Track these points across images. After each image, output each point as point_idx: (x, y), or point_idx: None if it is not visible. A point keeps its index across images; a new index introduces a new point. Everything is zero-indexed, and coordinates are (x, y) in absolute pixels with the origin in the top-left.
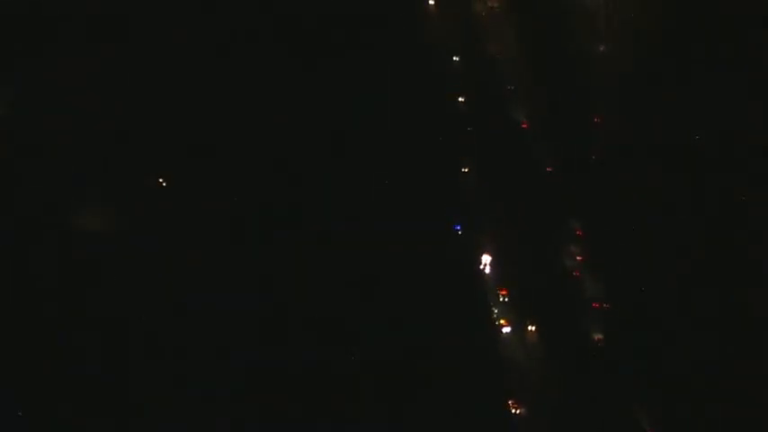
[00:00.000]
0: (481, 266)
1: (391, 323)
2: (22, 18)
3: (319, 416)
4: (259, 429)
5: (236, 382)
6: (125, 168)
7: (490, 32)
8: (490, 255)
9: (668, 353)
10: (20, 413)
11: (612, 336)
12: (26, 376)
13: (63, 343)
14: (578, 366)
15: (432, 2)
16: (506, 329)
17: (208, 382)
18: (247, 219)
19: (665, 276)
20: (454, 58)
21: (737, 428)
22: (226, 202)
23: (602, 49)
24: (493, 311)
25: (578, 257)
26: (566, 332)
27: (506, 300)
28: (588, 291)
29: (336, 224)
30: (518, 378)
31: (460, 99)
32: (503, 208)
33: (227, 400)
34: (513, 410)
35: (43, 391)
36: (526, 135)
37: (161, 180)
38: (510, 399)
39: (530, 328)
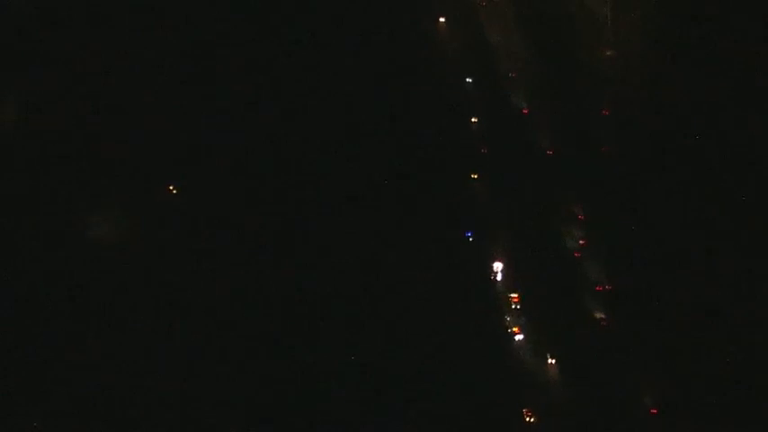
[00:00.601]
0: (492, 274)
1: (400, 330)
2: (22, 18)
3: (323, 421)
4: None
5: (241, 386)
6: (124, 170)
7: (492, 26)
8: (501, 261)
9: (671, 339)
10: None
11: (617, 317)
12: (26, 377)
13: (63, 344)
14: (585, 362)
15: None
16: (519, 337)
17: (209, 383)
18: (252, 220)
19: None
20: (465, 77)
21: (739, 410)
22: (226, 202)
23: (605, 46)
24: (505, 318)
25: (581, 241)
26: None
27: (518, 306)
28: (592, 276)
29: (342, 229)
30: (532, 386)
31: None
32: (511, 209)
33: (228, 402)
34: (528, 419)
35: (42, 391)
36: (530, 131)
37: (171, 187)
38: (523, 407)
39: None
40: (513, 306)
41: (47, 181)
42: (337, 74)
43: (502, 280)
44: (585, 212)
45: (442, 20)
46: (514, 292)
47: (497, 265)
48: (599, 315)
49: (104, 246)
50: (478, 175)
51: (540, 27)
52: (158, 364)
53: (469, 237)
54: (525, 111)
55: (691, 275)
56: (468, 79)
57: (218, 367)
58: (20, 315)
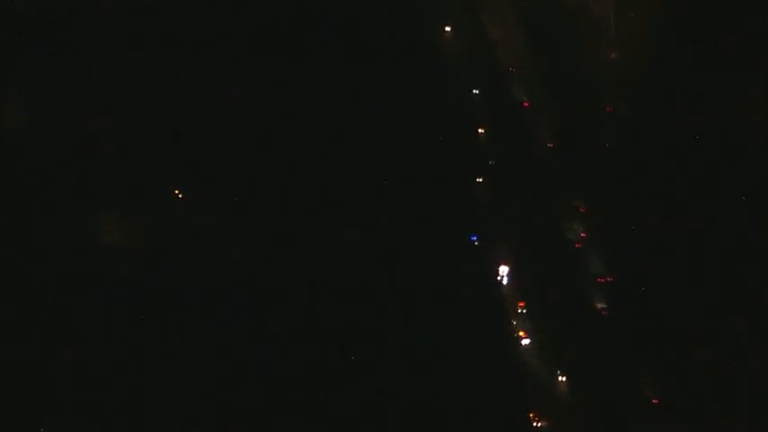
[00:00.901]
0: (498, 277)
1: (406, 333)
2: (23, 18)
3: (324, 421)
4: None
5: (240, 386)
6: (122, 173)
7: (493, 24)
8: (506, 264)
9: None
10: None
11: (618, 309)
12: (26, 378)
13: (64, 345)
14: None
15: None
16: (525, 341)
17: (209, 383)
18: (253, 221)
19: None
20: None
21: (739, 397)
22: (227, 203)
23: (608, 46)
24: (511, 323)
25: (582, 234)
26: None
27: (524, 311)
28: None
29: (346, 232)
30: (538, 390)
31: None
32: (514, 209)
33: (228, 402)
34: (535, 423)
35: (42, 393)
36: (532, 126)
37: (176, 192)
38: (530, 411)
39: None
40: (520, 311)
41: (49, 182)
42: (338, 73)
43: (508, 283)
44: (587, 205)
45: (447, 29)
46: (521, 297)
47: (503, 269)
48: (600, 305)
49: (106, 247)
50: (483, 179)
51: (542, 25)
52: (158, 364)
53: (475, 240)
54: (526, 104)
55: (690, 270)
56: (472, 88)
57: (217, 367)
58: (20, 315)
